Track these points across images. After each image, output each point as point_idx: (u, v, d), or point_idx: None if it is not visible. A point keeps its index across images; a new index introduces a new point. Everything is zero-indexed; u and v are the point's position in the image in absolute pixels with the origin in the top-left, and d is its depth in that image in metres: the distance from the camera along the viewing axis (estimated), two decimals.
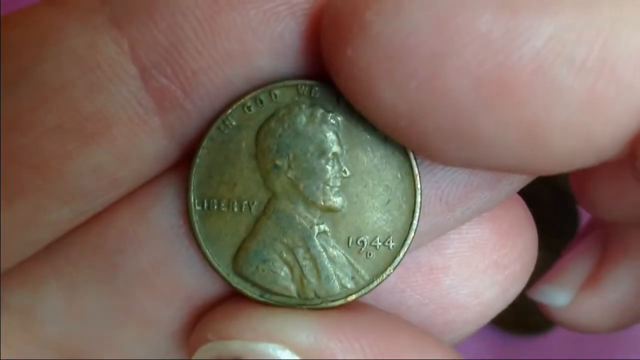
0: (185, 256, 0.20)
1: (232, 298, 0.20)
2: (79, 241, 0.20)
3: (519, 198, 0.22)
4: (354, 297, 0.20)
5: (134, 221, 0.19)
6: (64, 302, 0.20)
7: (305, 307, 0.19)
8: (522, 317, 0.43)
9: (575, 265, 0.28)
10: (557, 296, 0.28)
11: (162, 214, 0.19)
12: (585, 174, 0.25)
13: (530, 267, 0.23)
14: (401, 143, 0.19)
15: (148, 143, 0.18)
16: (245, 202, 0.19)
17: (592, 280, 0.28)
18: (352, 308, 0.20)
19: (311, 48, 0.18)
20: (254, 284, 0.19)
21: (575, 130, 0.16)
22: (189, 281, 0.20)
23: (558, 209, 0.43)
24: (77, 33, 0.17)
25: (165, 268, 0.20)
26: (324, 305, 0.19)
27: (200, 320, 0.20)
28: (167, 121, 0.18)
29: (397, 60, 0.15)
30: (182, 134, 0.18)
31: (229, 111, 0.18)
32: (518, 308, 0.44)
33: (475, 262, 0.21)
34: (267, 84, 0.18)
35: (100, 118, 0.17)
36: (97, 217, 0.19)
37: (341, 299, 0.19)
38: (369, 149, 0.19)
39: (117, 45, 0.17)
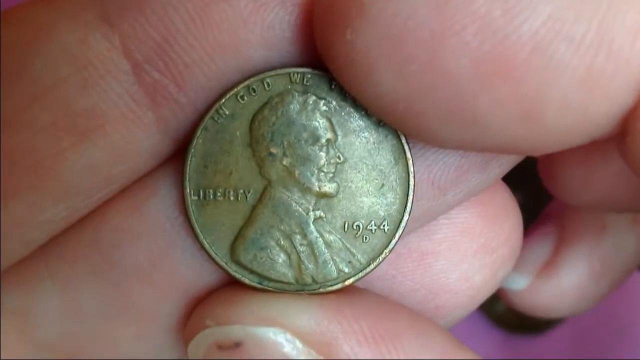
0: (183, 248, 0.20)
1: (230, 285, 0.20)
2: (73, 239, 0.20)
3: (503, 183, 0.23)
4: (351, 281, 0.20)
5: (129, 216, 0.20)
6: (60, 301, 0.20)
7: (304, 292, 0.20)
8: (522, 317, 0.43)
9: (532, 251, 0.29)
10: (515, 281, 0.28)
11: (157, 207, 0.20)
12: (553, 157, 0.25)
13: (517, 251, 0.23)
14: (396, 127, 0.19)
15: (142, 138, 0.18)
16: (241, 191, 0.19)
17: (549, 265, 0.28)
18: (349, 292, 0.20)
19: (302, 37, 0.18)
20: (252, 272, 0.19)
21: (573, 107, 0.16)
22: (186, 273, 0.20)
23: (543, 193, 0.43)
24: (68, 30, 0.17)
25: (163, 261, 0.20)
26: (322, 290, 0.20)
27: (197, 307, 0.20)
28: (161, 115, 0.18)
29: (397, 43, 0.16)
30: (176, 128, 0.18)
31: (223, 101, 0.19)
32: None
33: (464, 247, 0.22)
34: (260, 73, 0.19)
35: (94, 115, 0.17)
36: (91, 214, 0.20)
37: (339, 283, 0.20)
38: (362, 134, 0.19)
39: (109, 41, 0.17)
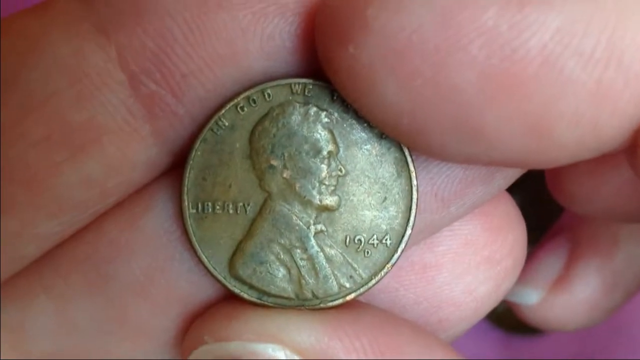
0: (180, 261, 0.19)
1: (229, 300, 0.20)
2: (68, 253, 0.19)
3: (507, 194, 0.22)
4: (352, 296, 0.19)
5: (125, 229, 0.19)
6: (55, 316, 0.20)
7: (304, 308, 0.19)
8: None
9: (545, 265, 0.28)
10: (527, 295, 0.28)
11: (154, 220, 0.19)
12: (561, 168, 0.25)
13: (522, 262, 0.23)
14: (399, 140, 0.18)
15: (139, 151, 0.18)
16: (241, 204, 0.19)
17: (562, 279, 0.28)
18: (350, 307, 0.20)
19: (303, 47, 0.17)
20: (251, 287, 0.19)
21: (583, 121, 0.16)
22: (184, 287, 0.20)
23: (548, 203, 0.43)
24: (63, 41, 0.16)
25: (160, 275, 0.19)
26: (322, 305, 0.19)
27: (195, 322, 0.20)
28: (158, 128, 0.17)
29: (401, 57, 0.15)
30: (174, 140, 0.18)
31: (222, 112, 0.18)
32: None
33: (468, 259, 0.21)
34: (259, 83, 0.18)
35: (89, 127, 0.17)
36: (87, 227, 0.19)
37: (340, 298, 0.19)
38: (364, 146, 0.19)
39: (104, 52, 0.16)
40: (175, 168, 0.19)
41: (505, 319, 0.43)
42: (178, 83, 0.17)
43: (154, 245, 0.19)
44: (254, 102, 0.18)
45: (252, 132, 0.18)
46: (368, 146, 0.19)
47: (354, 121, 0.19)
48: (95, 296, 0.19)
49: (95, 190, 0.18)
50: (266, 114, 0.18)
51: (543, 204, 0.36)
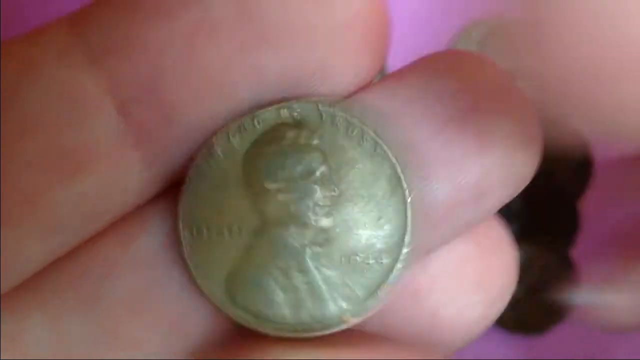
0: (174, 283, 0.19)
1: (225, 325, 0.20)
2: (62, 270, 0.19)
3: (497, 217, 0.22)
4: (350, 317, 0.19)
5: (117, 249, 0.19)
6: (49, 332, 0.20)
7: (301, 334, 0.19)
8: (522, 317, 0.43)
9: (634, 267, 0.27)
10: (595, 297, 0.27)
11: (148, 242, 0.19)
12: None
13: (513, 284, 0.22)
14: None
15: (129, 176, 0.18)
16: (236, 227, 0.19)
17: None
18: (347, 334, 0.19)
19: (291, 73, 0.17)
20: (247, 311, 0.19)
21: None
22: (177, 308, 0.20)
23: (557, 207, 0.43)
24: (54, 69, 0.17)
25: (152, 295, 0.19)
26: (321, 330, 0.19)
27: (193, 352, 0.20)
28: (148, 154, 0.18)
29: None
30: (164, 166, 0.18)
31: (214, 139, 0.18)
32: (518, 308, 0.44)
33: (459, 282, 0.21)
34: (248, 111, 0.18)
35: (81, 152, 0.17)
36: (80, 247, 0.19)
37: (338, 320, 0.19)
38: (356, 165, 0.19)
39: (96, 81, 0.17)
40: (168, 191, 0.19)
41: (505, 319, 0.43)
42: (166, 112, 0.17)
43: (146, 266, 0.19)
44: (245, 129, 0.18)
45: (245, 158, 0.19)
46: (360, 165, 0.19)
47: (344, 141, 0.18)
48: (89, 313, 0.19)
49: (86, 213, 0.18)
50: (257, 140, 0.19)
51: (567, 211, 0.36)
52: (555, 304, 0.43)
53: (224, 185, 0.19)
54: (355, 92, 0.19)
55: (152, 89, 0.17)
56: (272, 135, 0.18)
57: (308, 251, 0.19)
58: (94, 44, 0.17)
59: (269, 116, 0.18)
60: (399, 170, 0.19)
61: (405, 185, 0.19)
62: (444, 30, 0.38)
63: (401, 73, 0.19)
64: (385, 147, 0.19)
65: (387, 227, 0.19)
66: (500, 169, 0.19)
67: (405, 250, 0.19)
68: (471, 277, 0.21)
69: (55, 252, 0.19)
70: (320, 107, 0.18)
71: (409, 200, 0.19)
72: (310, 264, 0.19)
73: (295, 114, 0.18)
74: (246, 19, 0.17)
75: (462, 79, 0.19)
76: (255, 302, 0.19)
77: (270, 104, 0.18)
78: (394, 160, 0.19)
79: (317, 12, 0.17)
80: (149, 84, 0.17)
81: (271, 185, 0.18)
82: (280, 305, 0.19)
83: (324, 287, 0.19)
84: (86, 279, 0.19)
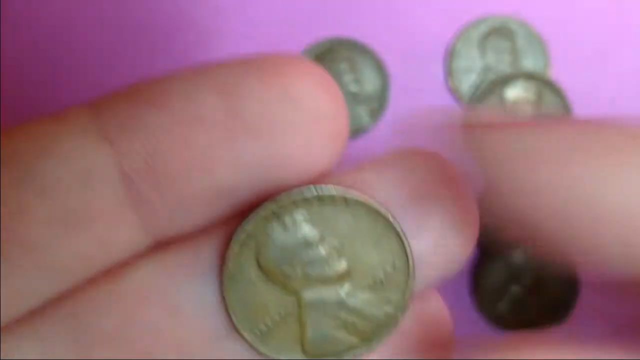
0: None
1: None
2: (55, 307, 0.21)
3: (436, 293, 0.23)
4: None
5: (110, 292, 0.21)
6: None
7: None
8: (522, 317, 0.43)
9: None
10: None
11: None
12: None
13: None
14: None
15: (126, 234, 0.21)
16: (281, 313, 0.21)
17: None
18: None
19: (267, 161, 0.20)
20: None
21: None
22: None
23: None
24: (73, 145, 0.20)
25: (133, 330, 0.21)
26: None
27: None
28: (144, 219, 0.21)
29: None
30: (157, 230, 0.21)
31: (227, 260, 0.20)
32: (518, 308, 0.44)
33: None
34: (232, 197, 0.20)
35: (85, 211, 0.20)
36: (74, 287, 0.21)
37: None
38: (340, 216, 0.21)
39: (106, 155, 0.20)
40: (160, 246, 0.21)
41: (505, 319, 0.43)
42: (162, 185, 0.20)
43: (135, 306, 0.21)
44: (243, 243, 0.20)
45: (257, 261, 0.21)
46: (341, 216, 0.21)
47: (322, 201, 0.20)
48: (81, 346, 0.21)
49: (84, 262, 0.21)
50: (254, 247, 0.20)
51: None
52: (555, 304, 0.43)
53: (255, 289, 0.21)
54: (321, 178, 0.21)
55: (151, 164, 0.20)
56: (264, 238, 0.21)
57: (342, 293, 0.21)
58: (107, 125, 0.20)
59: (252, 221, 0.20)
60: (391, 219, 0.20)
61: (406, 243, 0.20)
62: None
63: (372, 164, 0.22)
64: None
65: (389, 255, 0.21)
66: (435, 249, 0.21)
67: (411, 282, 0.21)
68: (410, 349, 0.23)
69: (53, 292, 0.21)
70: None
71: (401, 232, 0.20)
72: (349, 304, 0.21)
73: (276, 205, 0.20)
74: (232, 114, 0.20)
75: (411, 170, 0.21)
76: (330, 351, 0.21)
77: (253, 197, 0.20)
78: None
79: (291, 109, 0.20)
80: (148, 160, 0.20)
81: (288, 269, 0.21)
82: (345, 343, 0.21)
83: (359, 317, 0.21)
84: (76, 316, 0.21)
